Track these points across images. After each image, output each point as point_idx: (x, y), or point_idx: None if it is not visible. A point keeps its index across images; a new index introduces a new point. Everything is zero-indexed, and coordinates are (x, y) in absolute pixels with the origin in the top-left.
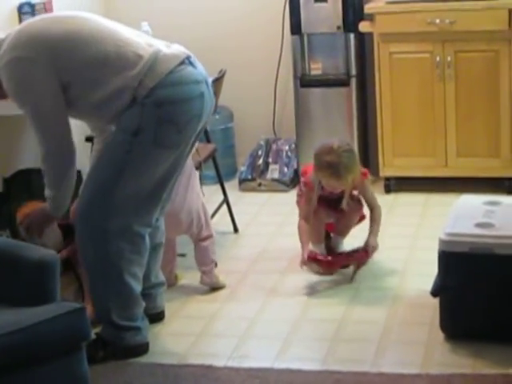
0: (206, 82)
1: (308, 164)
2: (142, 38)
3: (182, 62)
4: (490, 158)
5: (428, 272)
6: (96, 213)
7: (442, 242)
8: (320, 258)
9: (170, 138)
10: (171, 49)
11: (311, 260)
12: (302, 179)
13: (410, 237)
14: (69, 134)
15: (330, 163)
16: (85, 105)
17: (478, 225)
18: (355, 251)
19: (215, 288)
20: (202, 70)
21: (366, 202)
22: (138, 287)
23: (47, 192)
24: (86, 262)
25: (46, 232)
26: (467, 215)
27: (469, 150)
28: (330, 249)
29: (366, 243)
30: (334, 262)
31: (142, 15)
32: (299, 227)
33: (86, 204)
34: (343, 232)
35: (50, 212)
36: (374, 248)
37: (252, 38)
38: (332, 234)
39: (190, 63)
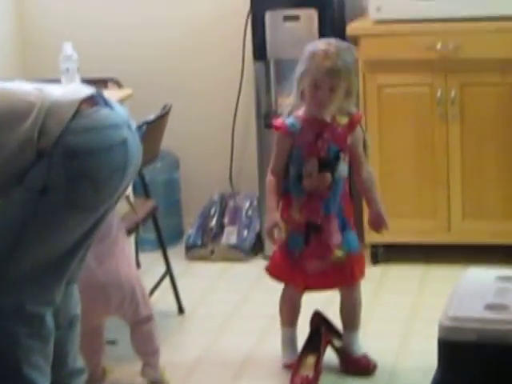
0: (129, 126)
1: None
2: (28, 85)
3: (95, 102)
4: (504, 220)
5: (425, 366)
6: None
7: (443, 329)
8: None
9: (86, 198)
10: (70, 88)
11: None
12: (274, 124)
13: (403, 321)
14: None
15: (327, 52)
16: None
17: (489, 306)
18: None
19: None
20: (122, 112)
21: (361, 162)
22: (43, 381)
23: None
24: None
25: None
26: (475, 294)
27: (478, 210)
28: (342, 352)
29: (374, 217)
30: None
31: (64, 35)
32: (267, 184)
33: None
34: (352, 319)
35: None
36: (385, 224)
37: (204, 65)
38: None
39: (106, 104)
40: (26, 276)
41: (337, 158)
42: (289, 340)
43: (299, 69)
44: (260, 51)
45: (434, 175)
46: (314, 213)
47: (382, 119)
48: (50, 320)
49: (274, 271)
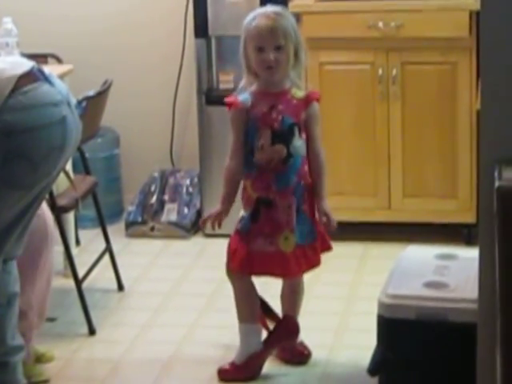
0: (68, 103)
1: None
2: None
3: (35, 79)
4: (444, 199)
5: (364, 344)
6: None
7: (383, 306)
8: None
9: (22, 177)
10: (9, 61)
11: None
12: (227, 101)
13: (343, 299)
14: None
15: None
16: None
17: (428, 284)
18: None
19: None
20: (62, 88)
21: (311, 141)
22: None
23: None
24: None
25: None
26: (414, 272)
27: (418, 189)
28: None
29: (321, 211)
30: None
31: (4, 9)
32: (224, 172)
33: None
34: (292, 306)
35: None
36: (329, 216)
37: (145, 41)
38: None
39: (46, 79)
40: None
41: (291, 131)
42: (243, 337)
43: (242, 42)
44: (201, 28)
45: (375, 153)
46: (265, 187)
47: (323, 97)
48: None
49: (228, 255)
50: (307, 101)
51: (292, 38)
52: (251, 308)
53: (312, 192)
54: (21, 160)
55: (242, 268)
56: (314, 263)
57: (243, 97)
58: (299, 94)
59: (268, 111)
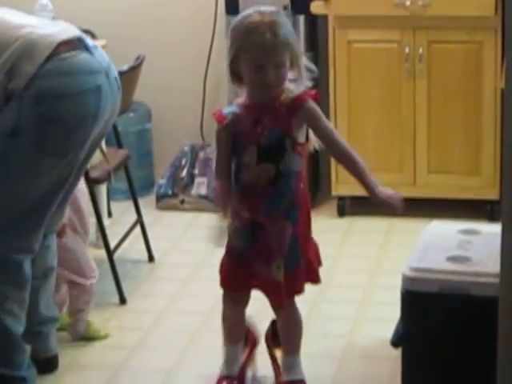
0: (107, 74)
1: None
2: (15, 17)
3: (74, 47)
4: (468, 175)
5: (388, 316)
6: None
7: (406, 280)
8: None
9: (56, 142)
10: (54, 28)
11: None
12: (213, 115)
13: (367, 272)
14: None
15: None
16: None
17: (451, 258)
18: None
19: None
20: (103, 59)
21: (324, 137)
22: (17, 327)
23: None
24: None
25: None
26: (438, 246)
27: (442, 165)
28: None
29: (378, 199)
30: None
31: None
32: (214, 189)
33: None
34: (288, 341)
35: None
36: (392, 200)
37: (177, 18)
38: (279, 350)
39: (86, 48)
40: (3, 222)
41: (281, 145)
42: (229, 358)
43: (231, 50)
44: (232, 5)
45: (401, 130)
46: (254, 210)
47: (351, 74)
48: (27, 268)
49: (220, 271)
50: (296, 106)
51: (292, 46)
52: (238, 332)
53: (309, 213)
54: (55, 124)
55: (239, 286)
56: (296, 290)
57: (228, 110)
58: (291, 96)
59: (252, 125)
